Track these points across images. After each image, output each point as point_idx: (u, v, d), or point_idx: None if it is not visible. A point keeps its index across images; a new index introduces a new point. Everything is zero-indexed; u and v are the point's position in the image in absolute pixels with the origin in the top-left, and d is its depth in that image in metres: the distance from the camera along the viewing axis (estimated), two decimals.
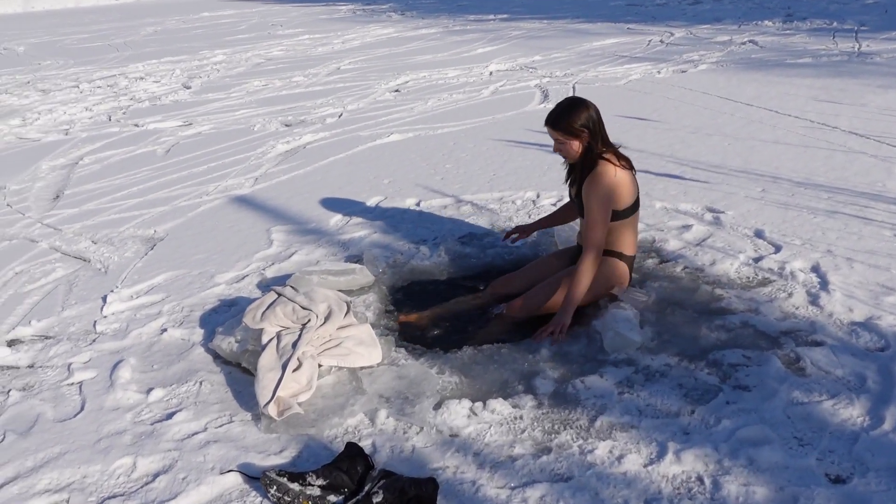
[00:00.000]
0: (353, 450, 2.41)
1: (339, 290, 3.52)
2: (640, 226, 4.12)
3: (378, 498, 2.21)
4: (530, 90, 8.36)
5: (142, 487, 2.47)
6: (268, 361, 2.87)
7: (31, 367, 3.30)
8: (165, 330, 3.48)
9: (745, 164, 5.16)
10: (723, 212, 4.31)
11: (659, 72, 8.86)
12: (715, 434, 2.49)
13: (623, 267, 3.31)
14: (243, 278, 3.98)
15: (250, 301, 3.51)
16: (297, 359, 2.87)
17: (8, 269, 4.38)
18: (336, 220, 4.75)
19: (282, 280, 3.79)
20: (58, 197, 5.77)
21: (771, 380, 2.73)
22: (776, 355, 2.88)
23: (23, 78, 12.24)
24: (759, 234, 3.97)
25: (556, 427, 2.60)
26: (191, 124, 7.93)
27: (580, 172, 3.25)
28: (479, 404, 2.73)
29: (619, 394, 2.76)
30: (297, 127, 7.41)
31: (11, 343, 3.51)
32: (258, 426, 2.73)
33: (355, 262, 3.93)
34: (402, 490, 2.22)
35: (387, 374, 2.92)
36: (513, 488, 2.32)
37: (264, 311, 3.11)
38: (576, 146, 3.17)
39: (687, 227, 4.13)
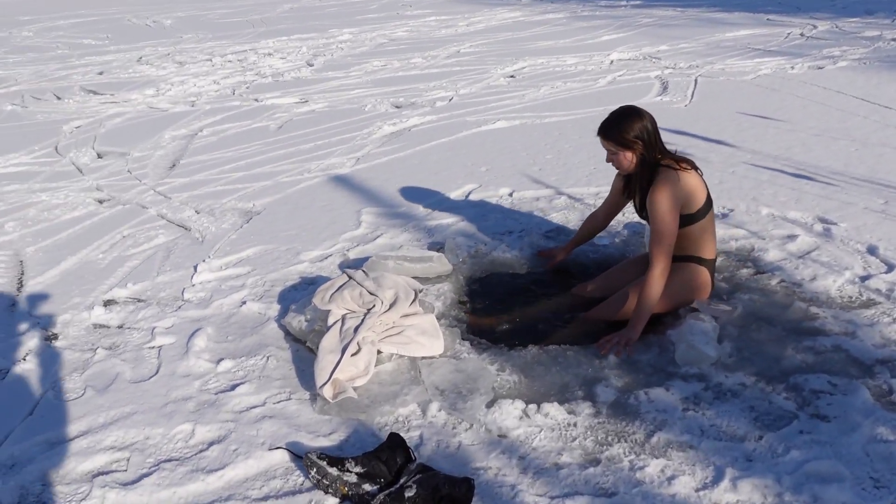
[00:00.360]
0: (395, 440, 2.40)
1: (415, 277, 3.52)
2: (740, 232, 3.89)
3: (411, 492, 2.18)
4: (649, 81, 8.03)
5: (195, 455, 2.56)
6: (329, 343, 2.90)
7: (119, 327, 3.50)
8: (245, 303, 3.59)
9: (870, 172, 4.74)
10: (835, 223, 3.97)
11: (792, 67, 8.29)
12: (781, 464, 2.30)
13: (704, 272, 3.12)
14: (326, 258, 4.05)
15: (328, 280, 3.56)
16: (357, 343, 2.88)
17: (116, 232, 4.66)
18: (426, 205, 4.75)
19: (362, 262, 3.82)
20: (173, 166, 6.09)
21: (855, 412, 2.49)
22: (866, 385, 2.63)
23: (164, 50, 12.98)
24: (871, 251, 3.63)
25: (609, 438, 2.49)
26: (306, 101, 8.15)
27: (639, 183, 3.09)
28: (532, 406, 2.66)
29: (684, 410, 2.60)
30: (407, 109, 7.46)
31: (107, 303, 3.72)
32: (313, 406, 2.76)
33: (437, 250, 3.90)
34: (436, 487, 2.19)
35: (446, 366, 2.88)
36: (552, 498, 2.24)
37: (333, 293, 3.14)
38: (629, 157, 3.04)
39: (792, 238, 3.84)
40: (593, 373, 2.86)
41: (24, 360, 3.22)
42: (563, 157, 5.52)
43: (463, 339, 3.15)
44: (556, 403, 2.66)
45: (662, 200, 2.96)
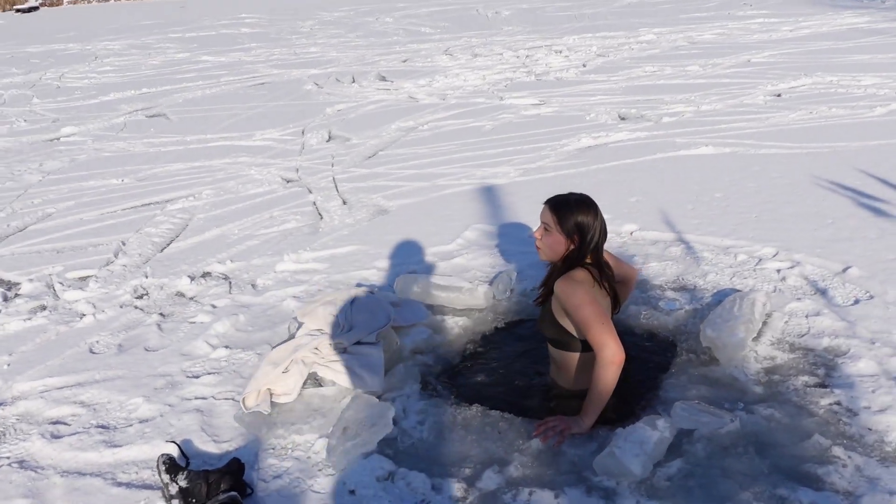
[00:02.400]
0: (232, 466, 2.42)
1: (440, 305, 3.42)
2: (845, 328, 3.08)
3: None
4: None
5: (122, 427, 2.85)
6: (275, 355, 2.98)
7: (190, 299, 3.96)
8: (286, 299, 3.80)
9: None
10: None
11: None
12: None
13: None
14: (395, 267, 4.08)
15: (381, 291, 3.59)
16: (295, 360, 2.91)
17: (269, 211, 5.20)
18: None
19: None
20: (372, 156, 6.53)
21: None
22: None
23: (476, 41, 13.75)
24: None
25: None
26: (542, 104, 8.07)
27: (555, 276, 2.66)
28: (403, 471, 2.46)
29: None
30: (628, 122, 7.01)
31: (203, 275, 4.22)
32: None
33: (486, 282, 3.71)
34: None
35: (370, 404, 2.78)
36: None
37: (314, 308, 3.20)
38: (562, 244, 2.61)
39: None
40: (504, 452, 2.53)
41: (96, 312, 3.83)
42: (733, 198, 4.76)
43: (424, 380, 2.99)
44: (422, 475, 2.42)
45: (577, 287, 2.54)
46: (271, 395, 2.84)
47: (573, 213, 2.59)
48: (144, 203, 5.59)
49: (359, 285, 3.52)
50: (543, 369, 2.98)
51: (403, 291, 3.49)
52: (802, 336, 3.09)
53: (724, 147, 5.92)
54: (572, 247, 2.61)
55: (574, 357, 2.73)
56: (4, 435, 2.84)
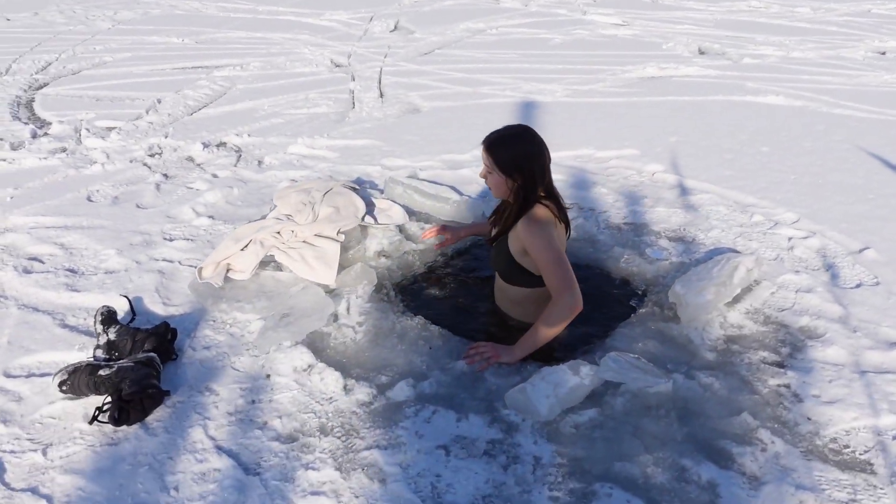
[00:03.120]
0: (160, 329, 2.49)
1: (423, 212, 3.37)
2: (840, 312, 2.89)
3: (106, 372, 2.28)
4: None
5: (92, 274, 2.96)
6: (239, 232, 3.02)
7: (198, 165, 4.02)
8: (283, 181, 3.81)
9: None
10: None
11: None
12: None
13: None
14: (400, 169, 4.02)
15: (366, 188, 3.57)
16: (256, 242, 2.94)
17: (304, 93, 5.18)
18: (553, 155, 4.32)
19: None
20: (429, 53, 6.36)
21: None
22: None
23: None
24: None
25: (331, 426, 2.24)
26: (624, 25, 7.63)
27: (512, 215, 2.51)
28: (321, 366, 2.48)
29: (444, 451, 2.19)
30: (707, 57, 6.55)
31: (218, 145, 4.27)
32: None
33: (480, 197, 3.62)
34: (119, 385, 2.24)
35: (319, 296, 2.79)
36: (219, 446, 2.16)
37: (289, 192, 3.20)
38: (504, 183, 2.47)
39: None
40: (426, 367, 2.52)
41: (107, 162, 3.94)
42: (778, 154, 4.44)
43: (381, 283, 2.98)
44: (338, 373, 2.44)
45: (541, 230, 2.42)
46: (228, 269, 2.88)
47: (508, 149, 2.45)
48: (194, 65, 5.65)
49: (356, 180, 3.48)
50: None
51: (389, 192, 3.43)
52: (783, 311, 2.90)
53: (795, 100, 5.48)
54: (518, 184, 2.49)
55: (525, 292, 2.66)
56: None
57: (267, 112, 4.76)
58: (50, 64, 5.46)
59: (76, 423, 2.21)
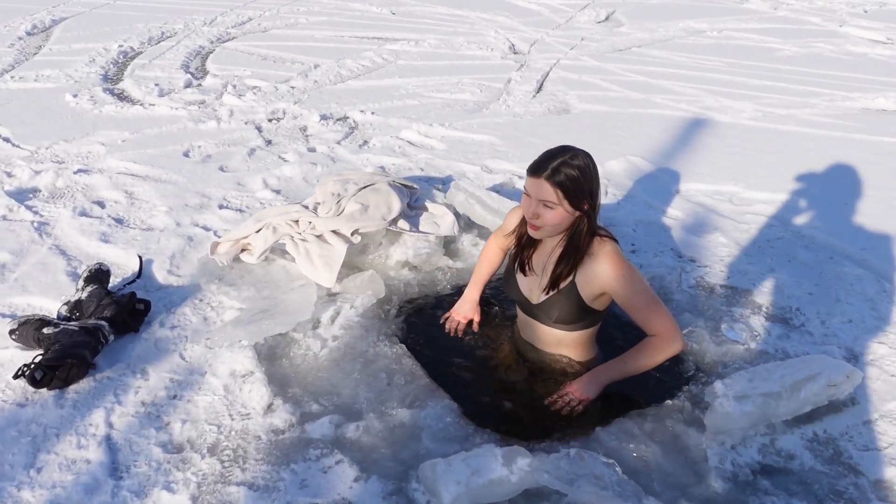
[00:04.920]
0: (124, 299, 2.42)
1: (484, 226, 3.02)
2: None
3: (50, 330, 2.27)
4: None
5: (131, 228, 3.02)
6: (264, 213, 2.88)
7: (307, 135, 3.97)
8: (368, 167, 3.62)
9: None
10: None
11: None
12: None
13: None
14: (496, 174, 3.64)
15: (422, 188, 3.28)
16: (270, 226, 2.79)
17: (457, 77, 4.93)
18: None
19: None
20: (624, 50, 5.77)
21: None
22: None
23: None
24: None
25: (246, 457, 2.03)
26: (886, 43, 6.35)
27: (568, 256, 2.13)
28: (259, 375, 2.27)
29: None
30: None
31: (340, 119, 4.19)
32: None
33: None
34: (63, 349, 2.22)
35: (299, 296, 2.59)
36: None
37: (329, 180, 3.00)
38: (570, 218, 2.08)
39: None
40: (367, 406, 2.20)
41: (226, 121, 4.02)
42: (830, 177, 3.37)
43: (388, 297, 2.68)
44: (269, 389, 2.21)
45: (632, 269, 2.12)
46: (242, 250, 2.77)
47: (576, 179, 2.02)
48: (372, 36, 5.64)
49: (447, 178, 3.16)
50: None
51: (451, 198, 3.09)
52: (867, 450, 2.15)
53: None
54: (583, 218, 2.07)
55: (576, 335, 2.29)
56: (64, 195, 3.17)
57: (408, 92, 4.59)
58: (251, 20, 5.74)
59: (8, 373, 2.20)
